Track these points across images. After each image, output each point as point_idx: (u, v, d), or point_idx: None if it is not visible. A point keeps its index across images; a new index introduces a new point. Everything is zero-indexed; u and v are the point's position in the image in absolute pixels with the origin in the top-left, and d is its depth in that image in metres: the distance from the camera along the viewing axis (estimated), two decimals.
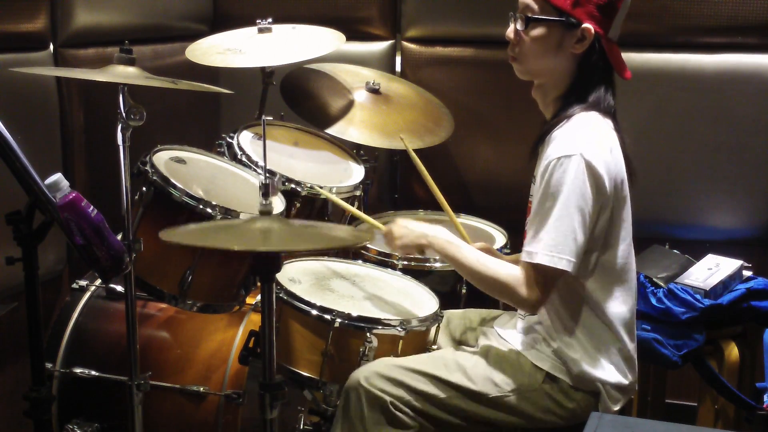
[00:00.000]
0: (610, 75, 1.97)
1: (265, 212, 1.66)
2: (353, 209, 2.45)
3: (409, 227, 2.11)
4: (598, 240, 1.92)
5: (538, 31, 1.93)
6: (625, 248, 1.96)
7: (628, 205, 1.98)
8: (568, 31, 1.92)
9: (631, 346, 2.00)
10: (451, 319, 2.27)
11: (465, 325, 2.26)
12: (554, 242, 1.84)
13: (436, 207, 2.88)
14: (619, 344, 1.97)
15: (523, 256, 1.90)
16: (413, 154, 2.54)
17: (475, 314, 2.30)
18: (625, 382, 1.99)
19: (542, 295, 1.89)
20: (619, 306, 1.97)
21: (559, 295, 1.96)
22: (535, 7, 1.92)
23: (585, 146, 1.84)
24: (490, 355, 2.03)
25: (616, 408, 1.99)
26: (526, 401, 1.96)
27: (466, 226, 2.63)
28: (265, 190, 1.74)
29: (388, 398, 1.91)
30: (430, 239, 2.06)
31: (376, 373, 1.94)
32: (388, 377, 1.93)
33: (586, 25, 1.90)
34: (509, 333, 2.09)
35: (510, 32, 1.98)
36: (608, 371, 1.96)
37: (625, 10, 1.96)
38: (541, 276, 1.88)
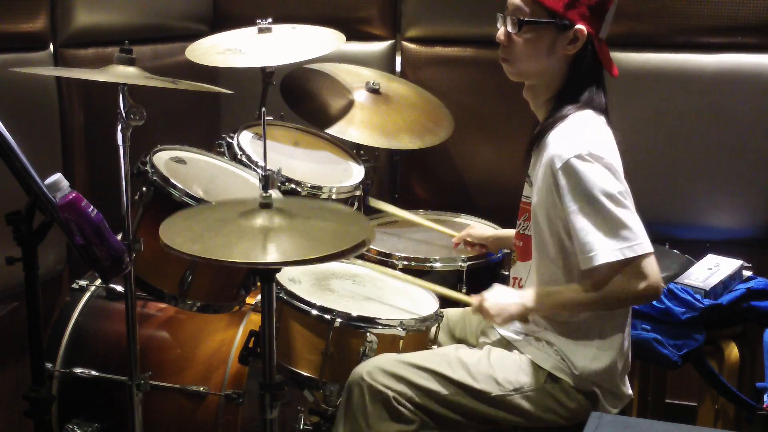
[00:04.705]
0: (600, 73, 1.97)
1: (266, 204, 1.66)
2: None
3: (500, 303, 2.00)
4: None
5: (530, 34, 1.92)
6: None
7: None
8: (560, 33, 1.91)
9: (625, 353, 2.01)
10: (451, 319, 2.27)
11: (465, 324, 2.26)
12: (616, 236, 1.81)
13: (436, 207, 2.90)
14: (613, 350, 1.97)
15: (593, 258, 1.83)
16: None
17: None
18: (621, 387, 1.99)
19: (649, 280, 1.83)
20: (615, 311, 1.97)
21: None
22: (527, 9, 1.91)
23: (590, 143, 1.84)
24: (492, 354, 2.03)
25: (614, 411, 1.99)
26: (528, 400, 1.96)
27: (465, 226, 2.62)
28: (265, 183, 1.74)
29: (390, 393, 1.91)
30: (524, 309, 1.97)
31: (379, 368, 1.94)
32: (390, 372, 1.93)
33: (580, 26, 1.89)
34: (509, 333, 2.09)
35: (501, 34, 1.96)
36: (605, 376, 1.96)
37: (614, 8, 1.95)
38: (624, 269, 1.83)
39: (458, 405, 1.95)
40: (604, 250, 1.81)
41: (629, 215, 1.83)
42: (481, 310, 2.02)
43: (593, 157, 1.83)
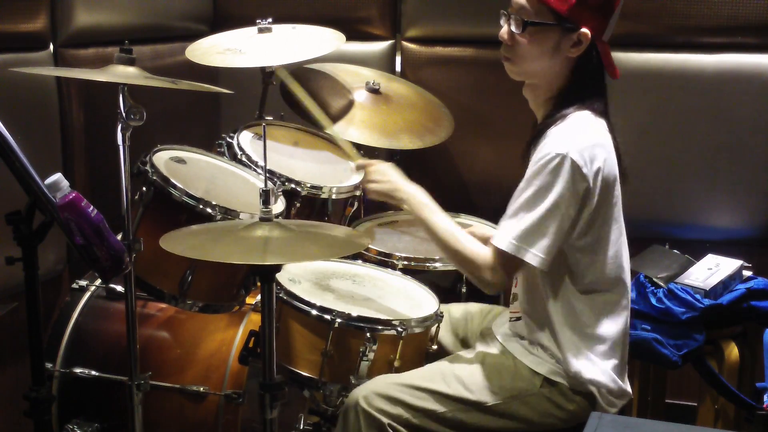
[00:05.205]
0: (602, 75, 1.96)
1: (266, 219, 1.67)
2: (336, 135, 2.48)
3: (387, 175, 2.12)
4: (587, 242, 1.91)
5: (534, 35, 1.90)
6: (617, 249, 1.95)
7: (620, 207, 1.97)
8: (564, 35, 1.90)
9: (622, 352, 2.00)
10: (453, 315, 2.27)
11: (467, 322, 2.26)
12: (524, 233, 1.85)
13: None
14: (610, 349, 1.96)
15: (493, 238, 1.90)
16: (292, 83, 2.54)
17: (476, 309, 2.30)
18: (618, 386, 1.98)
19: (502, 280, 1.91)
20: (612, 308, 1.96)
21: (551, 297, 1.95)
22: (531, 9, 1.89)
23: (576, 146, 1.83)
24: (486, 362, 2.02)
25: (614, 411, 1.98)
26: (526, 406, 1.95)
27: (465, 226, 2.62)
28: (266, 198, 1.74)
29: (386, 420, 1.90)
30: (406, 195, 2.06)
31: (375, 392, 1.93)
32: (386, 396, 1.92)
33: (584, 30, 1.88)
34: (506, 336, 2.08)
35: (504, 33, 1.95)
36: (601, 375, 1.95)
37: (619, 11, 1.95)
38: (505, 262, 1.88)
39: (456, 421, 1.94)
40: (506, 237, 1.87)
41: (553, 231, 1.84)
42: (368, 168, 2.15)
43: (574, 165, 1.82)
